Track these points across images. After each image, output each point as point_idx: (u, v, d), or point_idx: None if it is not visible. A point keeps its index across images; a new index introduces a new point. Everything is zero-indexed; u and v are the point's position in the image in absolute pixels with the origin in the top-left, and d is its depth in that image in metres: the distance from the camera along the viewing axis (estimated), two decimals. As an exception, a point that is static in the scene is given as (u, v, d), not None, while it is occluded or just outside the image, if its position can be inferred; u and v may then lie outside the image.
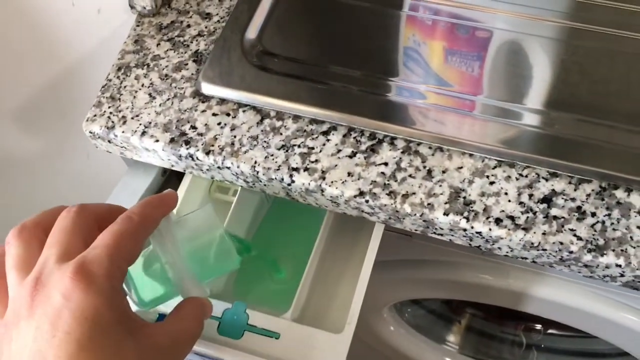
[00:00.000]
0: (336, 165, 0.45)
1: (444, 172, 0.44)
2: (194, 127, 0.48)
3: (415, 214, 0.43)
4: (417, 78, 0.49)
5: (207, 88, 0.49)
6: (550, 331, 0.86)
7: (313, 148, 0.46)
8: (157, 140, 0.47)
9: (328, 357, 0.43)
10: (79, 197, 0.66)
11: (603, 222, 0.41)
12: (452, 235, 0.44)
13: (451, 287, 0.67)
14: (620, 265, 0.40)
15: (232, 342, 0.44)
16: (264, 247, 0.54)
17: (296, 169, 0.45)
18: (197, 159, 0.47)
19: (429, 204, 0.43)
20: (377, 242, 0.48)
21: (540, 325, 0.87)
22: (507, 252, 0.43)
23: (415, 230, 0.45)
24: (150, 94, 0.50)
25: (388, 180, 0.44)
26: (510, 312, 0.68)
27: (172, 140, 0.47)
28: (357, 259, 0.49)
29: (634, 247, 0.40)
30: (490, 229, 0.42)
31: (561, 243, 0.41)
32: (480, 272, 0.63)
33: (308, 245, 0.49)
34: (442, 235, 0.45)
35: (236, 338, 0.44)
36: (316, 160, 0.46)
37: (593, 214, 0.42)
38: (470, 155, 0.45)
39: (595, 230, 0.41)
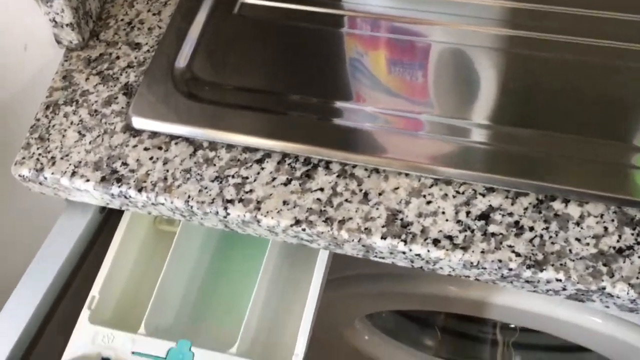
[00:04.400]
0: (271, 194, 0.44)
1: (380, 194, 0.43)
2: (125, 164, 0.46)
3: (353, 240, 0.42)
4: (354, 97, 0.48)
5: (138, 122, 0.48)
6: (525, 327, 0.86)
7: (247, 178, 0.45)
8: (88, 180, 0.46)
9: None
10: (21, 236, 0.64)
11: (541, 236, 0.40)
12: (394, 258, 0.43)
13: (416, 299, 0.66)
14: (560, 280, 0.39)
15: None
16: (216, 277, 0.53)
17: (231, 201, 0.44)
18: (130, 196, 0.46)
19: (366, 228, 0.42)
20: (323, 268, 0.47)
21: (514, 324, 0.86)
22: (449, 272, 0.42)
23: (357, 254, 0.44)
24: (79, 132, 0.48)
25: (324, 207, 0.43)
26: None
27: (103, 179, 0.46)
28: (306, 287, 0.48)
29: (573, 260, 0.39)
30: (428, 251, 0.41)
31: (500, 261, 0.40)
32: (443, 283, 0.62)
33: (256, 275, 0.48)
34: (383, 258, 0.44)
35: (184, 378, 0.44)
36: (251, 190, 0.44)
37: (531, 228, 0.41)
38: (407, 175, 0.44)
39: (533, 245, 0.40)
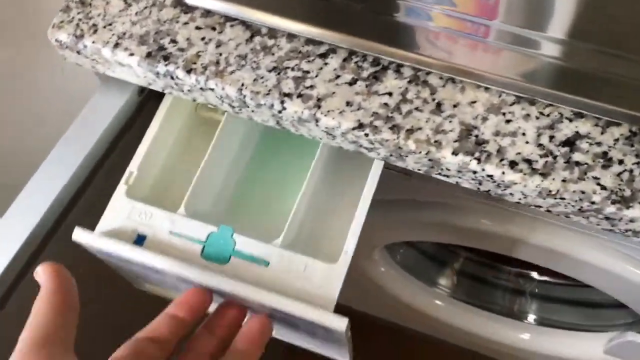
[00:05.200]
0: (334, 93, 0.40)
1: (455, 106, 0.39)
2: (174, 41, 0.42)
3: (420, 152, 0.38)
4: (430, -2, 0.43)
5: (191, -3, 0.43)
6: (544, 278, 0.84)
7: (308, 72, 0.41)
8: (132, 54, 0.42)
9: (321, 287, 0.40)
10: (54, 114, 0.61)
11: (631, 171, 0.37)
12: (460, 178, 0.39)
13: (448, 230, 0.63)
14: (646, 220, 0.36)
15: (218, 268, 0.40)
16: (257, 171, 0.49)
17: (288, 95, 0.40)
18: (177, 77, 0.41)
19: (436, 141, 0.38)
20: (376, 180, 0.44)
21: (535, 273, 0.84)
22: (519, 199, 0.39)
23: (419, 170, 0.40)
24: (125, 1, 0.44)
25: (391, 113, 0.39)
26: (504, 257, 0.65)
27: (149, 54, 0.42)
28: (353, 195, 0.44)
29: (664, 201, 0.36)
30: (503, 173, 0.37)
31: (582, 192, 0.36)
32: (479, 217, 0.59)
33: (303, 174, 0.44)
34: (448, 177, 0.40)
35: (222, 263, 0.41)
36: (311, 86, 0.40)
37: (620, 162, 0.37)
38: (486, 88, 0.40)
39: (621, 180, 0.36)
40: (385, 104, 0.39)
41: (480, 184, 0.39)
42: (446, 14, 0.42)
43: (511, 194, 0.39)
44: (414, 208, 0.61)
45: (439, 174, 0.40)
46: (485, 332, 0.81)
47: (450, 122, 0.39)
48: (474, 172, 0.38)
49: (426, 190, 0.56)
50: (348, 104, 0.40)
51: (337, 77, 0.40)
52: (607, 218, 0.37)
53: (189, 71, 0.41)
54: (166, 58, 0.41)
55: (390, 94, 0.40)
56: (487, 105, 0.39)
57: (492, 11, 0.43)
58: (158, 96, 0.48)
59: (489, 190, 0.39)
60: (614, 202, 0.36)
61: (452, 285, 0.86)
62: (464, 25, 0.42)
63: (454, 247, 0.86)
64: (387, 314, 0.94)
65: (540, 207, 0.39)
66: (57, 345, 0.31)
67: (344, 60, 0.41)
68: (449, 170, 0.39)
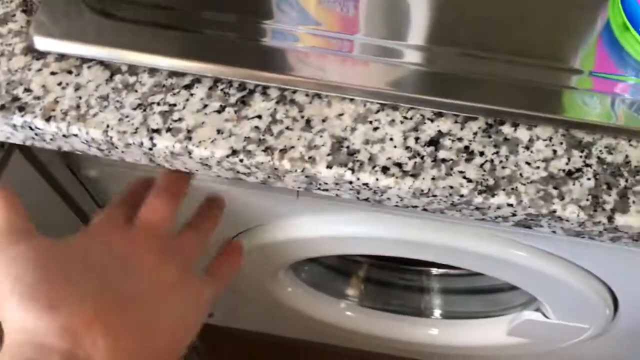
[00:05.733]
0: (203, 123, 0.40)
1: (324, 120, 0.40)
2: (28, 90, 0.40)
3: (296, 170, 0.39)
4: (291, 19, 0.44)
5: (42, 42, 0.41)
6: (442, 271, 0.87)
7: (175, 105, 0.40)
8: (-17, 109, 0.39)
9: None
10: None
11: (492, 161, 0.39)
12: (339, 190, 0.40)
13: (343, 242, 0.64)
14: (512, 205, 0.38)
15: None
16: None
17: (157, 131, 0.39)
18: (37, 127, 0.39)
19: (310, 157, 0.39)
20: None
21: (434, 268, 0.87)
22: (397, 202, 0.40)
23: (298, 188, 0.41)
24: (-31, 54, 0.41)
25: (263, 135, 0.39)
26: (405, 258, 0.67)
27: (2, 107, 0.39)
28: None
29: (524, 184, 0.38)
30: (377, 179, 0.38)
31: (451, 187, 0.38)
32: (371, 225, 0.61)
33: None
34: (327, 190, 0.41)
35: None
36: (180, 119, 0.40)
37: (481, 153, 0.39)
38: (351, 100, 0.41)
39: (484, 170, 0.39)
40: (256, 127, 0.40)
41: (358, 193, 0.40)
42: (312, 33, 0.43)
43: (388, 198, 0.40)
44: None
45: (319, 189, 0.41)
46: (397, 334, 0.83)
47: (321, 136, 0.40)
48: (350, 183, 0.39)
49: (314, 205, 0.57)
50: (219, 132, 0.39)
51: (205, 106, 0.40)
52: (477, 208, 0.39)
53: (48, 119, 0.39)
54: (21, 109, 0.39)
55: (259, 116, 0.40)
56: (354, 116, 0.40)
57: (354, 26, 0.45)
58: (22, 147, 0.45)
59: (368, 198, 0.40)
60: (480, 192, 0.38)
61: (360, 293, 0.87)
62: (329, 42, 0.43)
63: (356, 257, 0.87)
64: (302, 334, 0.94)
65: (416, 207, 0.40)
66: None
67: (210, 88, 0.41)
68: (326, 184, 0.40)
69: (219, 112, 0.40)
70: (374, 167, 0.39)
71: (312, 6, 0.46)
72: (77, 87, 0.40)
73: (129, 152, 0.40)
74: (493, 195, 0.38)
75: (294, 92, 0.41)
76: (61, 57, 0.41)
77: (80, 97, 0.40)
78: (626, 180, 0.38)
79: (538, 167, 0.39)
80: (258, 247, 0.61)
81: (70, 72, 0.41)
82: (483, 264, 0.61)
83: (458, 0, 0.45)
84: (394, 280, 0.89)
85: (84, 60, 0.41)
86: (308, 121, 0.40)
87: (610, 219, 0.37)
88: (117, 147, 0.40)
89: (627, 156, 0.39)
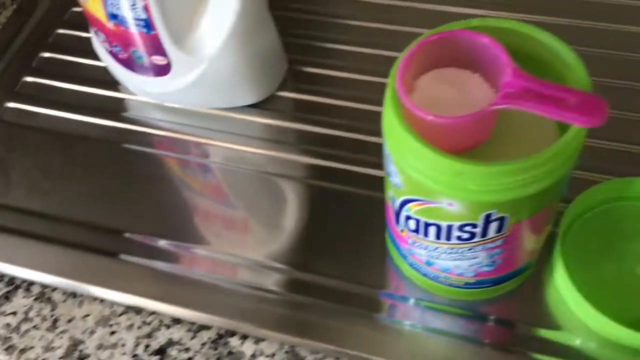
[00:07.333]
0: (-37, 317, 0.42)
1: (69, 321, 0.42)
2: None
3: (31, 371, 0.40)
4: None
5: None
6: None
7: (-55, 297, 0.43)
8: None
9: None
10: None
11: (209, 376, 0.39)
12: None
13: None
14: None
15: None
16: None
17: None
18: None
19: (44, 359, 0.40)
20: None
21: None
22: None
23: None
24: None
25: (11, 333, 0.42)
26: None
27: None
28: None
29: (234, 405, 0.37)
30: (99, 387, 0.39)
31: (163, 402, 0.38)
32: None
33: None
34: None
35: None
36: (-56, 312, 0.43)
37: (203, 366, 0.39)
38: (102, 300, 0.42)
39: (200, 386, 0.38)
40: (8, 324, 0.42)
41: (94, 395, 0.41)
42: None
43: (120, 403, 0.40)
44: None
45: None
46: None
47: (61, 338, 0.41)
48: (78, 387, 0.40)
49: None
50: (-26, 327, 0.42)
51: (-28, 300, 0.43)
52: None
53: None
54: None
55: (14, 313, 0.42)
56: (98, 317, 0.42)
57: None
58: None
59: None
60: (189, 411, 0.37)
61: None
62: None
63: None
64: None
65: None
66: None
67: (-17, 282, 0.44)
68: (62, 385, 0.41)
69: (-19, 307, 0.43)
70: (98, 374, 0.39)
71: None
72: None
73: None
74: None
75: (54, 290, 0.43)
76: None
77: None
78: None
79: (254, 386, 0.38)
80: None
81: None
82: None
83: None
84: None
85: None
86: (55, 320, 0.42)
87: None
88: None
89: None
